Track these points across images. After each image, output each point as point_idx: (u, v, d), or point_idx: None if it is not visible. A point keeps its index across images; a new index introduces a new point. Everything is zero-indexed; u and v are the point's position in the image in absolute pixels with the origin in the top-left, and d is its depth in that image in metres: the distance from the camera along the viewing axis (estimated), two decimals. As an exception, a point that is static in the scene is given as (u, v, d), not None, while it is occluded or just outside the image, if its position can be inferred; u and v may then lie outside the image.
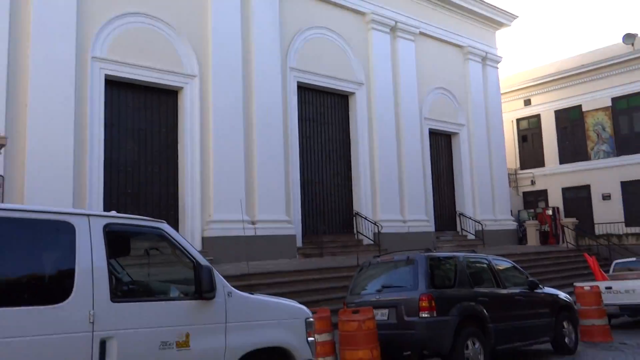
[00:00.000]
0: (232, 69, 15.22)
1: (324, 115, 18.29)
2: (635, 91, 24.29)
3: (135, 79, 13.92)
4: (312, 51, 17.45)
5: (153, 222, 4.17)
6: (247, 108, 15.44)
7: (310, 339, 4.68)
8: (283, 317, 4.52)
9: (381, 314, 7.14)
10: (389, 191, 18.68)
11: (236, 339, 4.12)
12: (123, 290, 4.02)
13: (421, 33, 20.88)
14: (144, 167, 14.22)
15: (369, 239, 17.74)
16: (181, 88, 14.65)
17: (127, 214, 4.17)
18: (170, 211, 14.13)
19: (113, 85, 13.72)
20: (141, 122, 14.32)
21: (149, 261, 4.51)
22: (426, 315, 6.83)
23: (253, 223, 14.89)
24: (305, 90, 17.63)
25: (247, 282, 10.45)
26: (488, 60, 23.64)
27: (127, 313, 3.70)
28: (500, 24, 24.24)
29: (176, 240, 4.16)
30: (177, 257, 4.21)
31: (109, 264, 3.75)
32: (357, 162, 18.46)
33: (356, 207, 18.22)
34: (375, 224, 17.76)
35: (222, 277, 4.23)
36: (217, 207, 14.36)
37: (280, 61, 16.36)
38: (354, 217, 18.16)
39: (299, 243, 16.00)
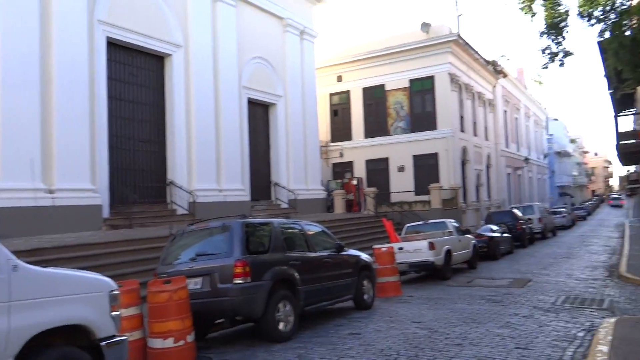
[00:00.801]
0: (25, 12, 13.16)
1: (137, 76, 17.03)
2: (428, 75, 27.48)
3: None
4: (125, 5, 15.98)
5: None
6: (45, 60, 13.56)
7: (115, 313, 4.35)
8: (82, 291, 4.09)
9: (194, 283, 7.00)
10: (205, 160, 18.31)
11: (24, 318, 3.62)
12: None
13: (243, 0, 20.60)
14: None
15: (183, 208, 17.23)
16: (-45, 30, 12.24)
17: None
18: (-60, 177, 11.86)
19: None
20: None
21: None
22: (240, 281, 6.90)
23: (51, 192, 13.33)
24: (116, 48, 16.14)
25: (41, 257, 9.31)
26: (305, 34, 24.40)
27: None
28: (317, 0, 25.11)
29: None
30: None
31: None
32: (172, 128, 17.65)
33: (170, 176, 17.51)
34: (190, 193, 17.31)
35: (5, 249, 3.65)
36: (3, 173, 12.47)
37: (86, 11, 14.66)
38: (168, 186, 17.45)
39: (106, 214, 14.83)
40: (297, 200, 22.20)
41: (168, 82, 17.78)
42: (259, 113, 22.32)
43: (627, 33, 12.58)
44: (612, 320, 7.44)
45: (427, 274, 13.94)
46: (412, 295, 11.04)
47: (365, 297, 9.57)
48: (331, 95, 30.33)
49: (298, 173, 23.21)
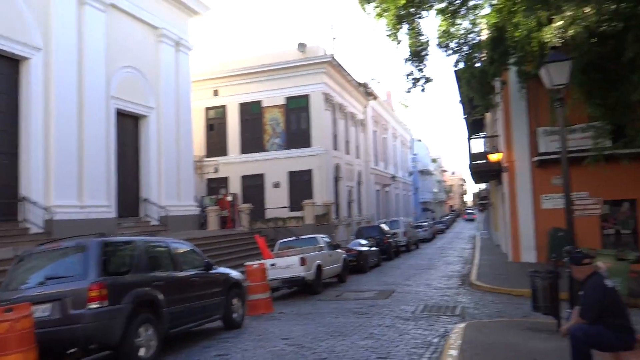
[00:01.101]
0: None
1: (-14, 80, 15.28)
2: (304, 93, 28.16)
3: None
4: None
5: None
6: None
7: None
8: None
9: (42, 310, 6.36)
10: (65, 173, 16.86)
11: None
12: None
13: (113, 5, 19.50)
14: None
15: (38, 226, 15.67)
16: None
17: None
18: None
19: None
20: None
21: None
22: (96, 306, 6.40)
23: None
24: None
25: None
26: (180, 46, 23.74)
27: None
28: (193, 12, 24.61)
29: None
30: None
31: None
32: (27, 138, 16.03)
33: (25, 191, 15.84)
34: (46, 209, 15.82)
35: None
36: None
37: None
38: (21, 202, 15.77)
39: (-60, 233, 13.02)
40: (168, 217, 21.32)
41: (24, 88, 16.16)
42: (129, 125, 21.17)
43: (478, 64, 14.04)
44: (462, 325, 8.12)
45: (298, 289, 14.12)
46: (283, 312, 11.09)
47: (235, 316, 9.41)
48: (207, 109, 29.78)
49: (170, 188, 22.32)
